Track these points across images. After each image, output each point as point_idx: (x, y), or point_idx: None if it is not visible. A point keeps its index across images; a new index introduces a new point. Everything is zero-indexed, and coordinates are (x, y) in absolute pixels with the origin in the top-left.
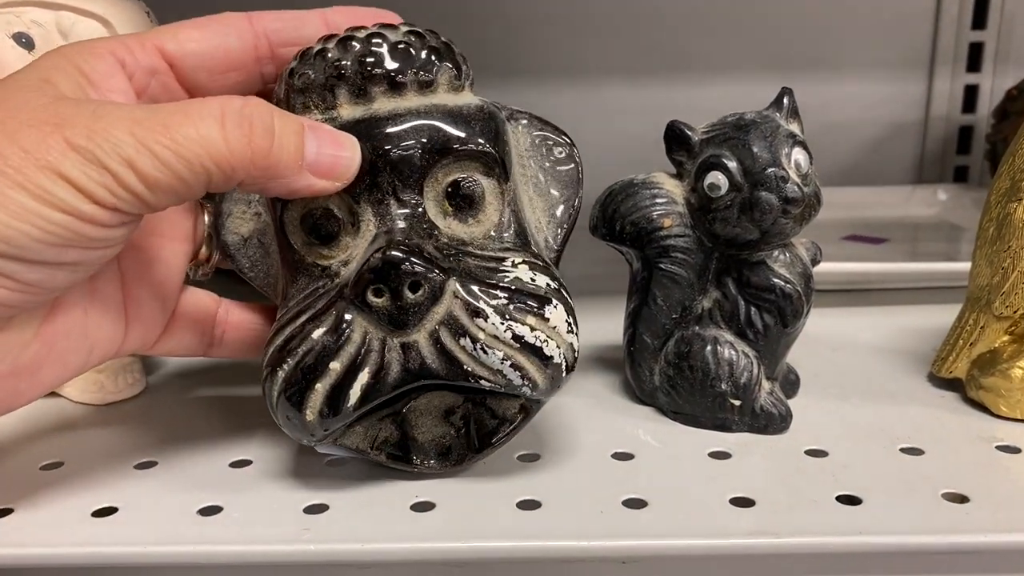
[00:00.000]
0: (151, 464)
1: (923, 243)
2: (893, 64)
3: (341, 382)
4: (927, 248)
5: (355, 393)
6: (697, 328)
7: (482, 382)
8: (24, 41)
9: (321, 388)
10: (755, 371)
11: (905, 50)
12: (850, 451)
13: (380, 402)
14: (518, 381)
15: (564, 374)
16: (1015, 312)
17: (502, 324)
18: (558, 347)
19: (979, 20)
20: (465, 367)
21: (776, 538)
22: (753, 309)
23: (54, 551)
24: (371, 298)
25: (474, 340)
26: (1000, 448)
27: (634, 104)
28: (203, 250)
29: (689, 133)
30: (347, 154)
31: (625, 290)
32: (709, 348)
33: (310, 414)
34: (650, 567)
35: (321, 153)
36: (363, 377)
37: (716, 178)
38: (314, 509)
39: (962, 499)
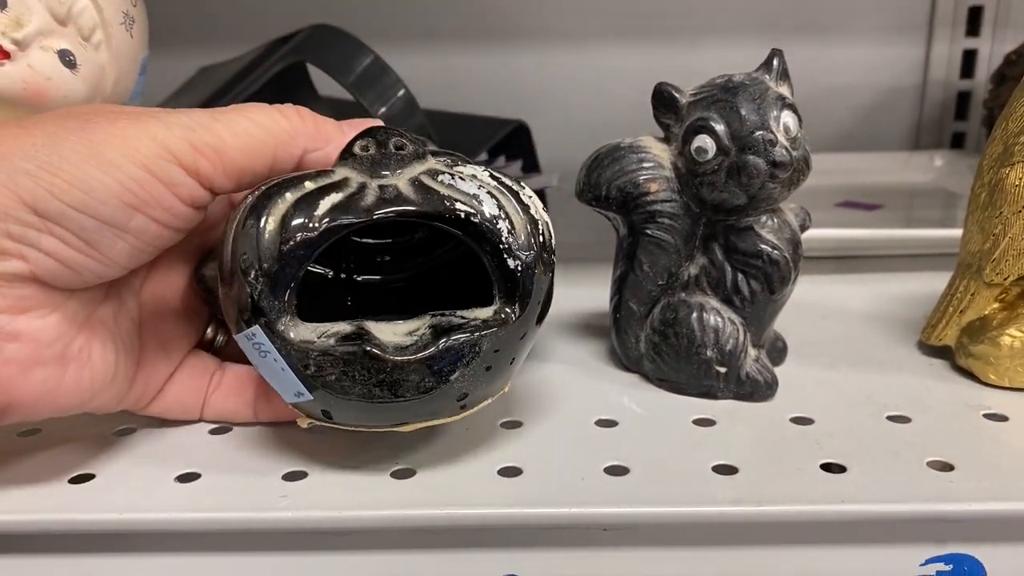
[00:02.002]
0: (130, 431)
1: (918, 210)
2: (890, 28)
3: (311, 193)
4: (922, 215)
5: (324, 204)
6: (683, 295)
7: (457, 205)
8: None
9: (290, 196)
10: (741, 338)
11: (903, 13)
12: (836, 419)
13: (350, 229)
14: (493, 210)
15: (543, 239)
16: (1005, 279)
17: (482, 169)
18: (536, 209)
19: None
20: (441, 193)
21: (758, 506)
22: (740, 275)
23: (29, 518)
24: (358, 150)
25: (452, 175)
26: (988, 416)
27: (625, 68)
28: (208, 331)
29: (676, 95)
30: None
31: (612, 257)
32: (695, 315)
33: (272, 222)
34: (631, 534)
35: (350, 124)
36: (335, 197)
37: (703, 142)
38: (293, 476)
39: (948, 467)
